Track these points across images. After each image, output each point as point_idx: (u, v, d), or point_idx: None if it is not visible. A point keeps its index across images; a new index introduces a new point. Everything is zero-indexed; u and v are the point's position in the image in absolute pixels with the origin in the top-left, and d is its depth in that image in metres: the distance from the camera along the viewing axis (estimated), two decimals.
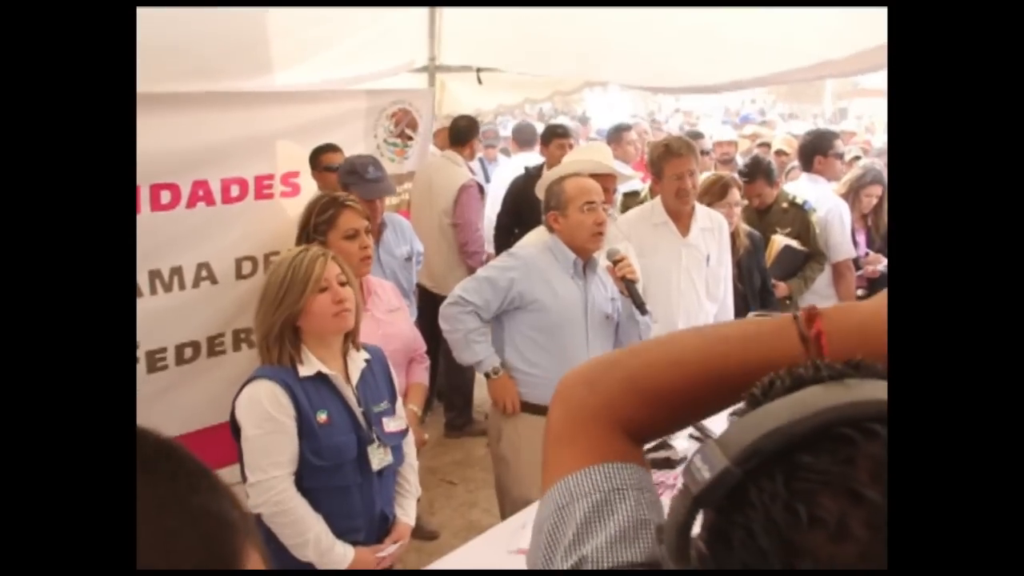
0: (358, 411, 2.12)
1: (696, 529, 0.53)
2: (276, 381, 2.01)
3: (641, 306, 2.65)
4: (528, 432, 2.72)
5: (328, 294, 2.07)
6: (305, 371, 2.05)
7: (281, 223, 3.48)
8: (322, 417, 2.04)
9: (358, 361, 2.18)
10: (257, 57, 3.86)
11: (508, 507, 2.74)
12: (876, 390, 0.49)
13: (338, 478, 2.07)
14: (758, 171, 4.18)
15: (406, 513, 2.30)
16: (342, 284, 2.12)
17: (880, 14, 3.14)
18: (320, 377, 2.07)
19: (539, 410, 2.72)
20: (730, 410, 0.61)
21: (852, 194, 4.42)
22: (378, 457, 2.13)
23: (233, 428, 2.05)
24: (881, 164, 5.05)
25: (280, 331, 2.04)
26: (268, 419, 1.98)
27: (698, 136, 5.56)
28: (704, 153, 5.28)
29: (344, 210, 2.66)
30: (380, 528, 2.21)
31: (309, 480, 2.04)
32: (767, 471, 0.47)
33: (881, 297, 0.72)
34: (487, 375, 2.77)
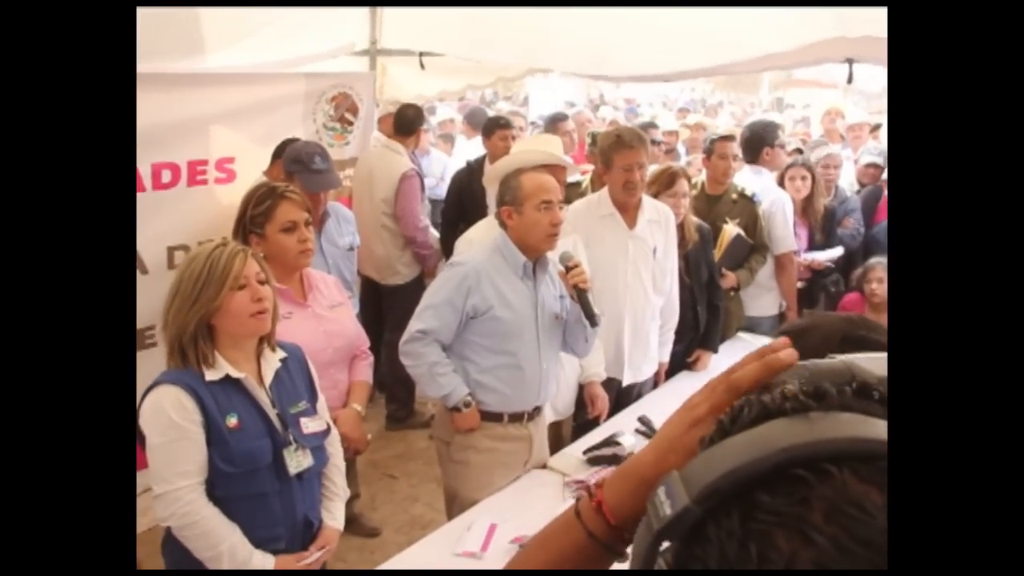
0: (272, 413, 2.01)
1: None
2: (180, 385, 1.90)
3: (592, 316, 2.59)
4: (479, 437, 2.66)
5: (247, 292, 1.97)
6: (213, 375, 1.94)
7: (216, 210, 3.34)
8: (232, 421, 1.93)
9: (272, 361, 2.08)
10: (188, 37, 3.70)
11: (455, 508, 2.68)
12: (837, 425, 0.50)
13: (253, 485, 1.97)
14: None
15: (333, 517, 2.21)
16: (261, 283, 2.02)
17: (822, 11, 3.18)
18: (228, 380, 1.97)
19: (491, 416, 2.66)
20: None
21: (780, 180, 4.48)
22: (296, 460, 2.04)
23: (139, 437, 1.93)
24: (815, 154, 5.13)
25: (195, 330, 1.93)
26: (172, 426, 1.87)
27: (650, 126, 5.54)
28: (655, 143, 5.26)
29: (282, 201, 2.54)
30: (305, 534, 2.11)
31: (222, 488, 1.94)
32: (725, 509, 0.48)
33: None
34: (456, 408, 2.62)
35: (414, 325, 2.60)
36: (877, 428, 0.50)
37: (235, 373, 1.97)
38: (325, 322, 2.63)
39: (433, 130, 7.66)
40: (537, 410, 2.75)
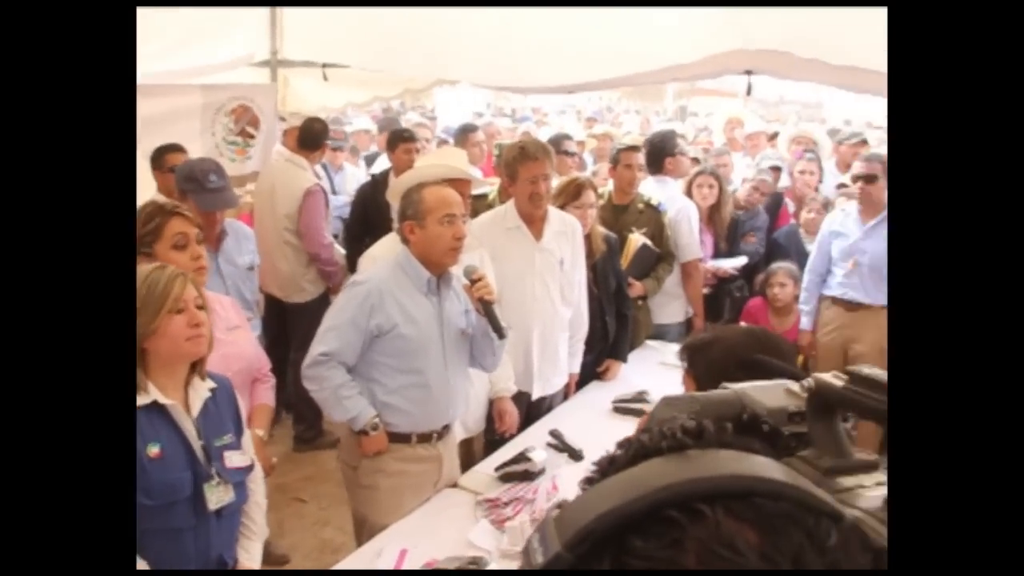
0: (196, 445, 1.92)
1: None
2: None
3: (499, 329, 2.56)
4: (387, 459, 2.59)
5: (184, 316, 1.90)
6: (140, 399, 1.85)
7: None
8: (153, 451, 1.84)
9: (201, 391, 1.99)
10: None
11: (365, 533, 2.61)
12: (713, 463, 0.48)
13: (169, 519, 1.87)
14: None
15: (251, 558, 2.13)
16: (199, 308, 1.96)
17: (722, 20, 3.26)
18: (155, 407, 1.88)
19: (399, 438, 2.60)
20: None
21: (687, 189, 4.56)
22: (216, 496, 1.95)
23: None
24: (716, 164, 5.26)
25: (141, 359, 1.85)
26: None
27: (565, 138, 5.54)
28: (569, 155, 5.27)
29: (171, 218, 2.43)
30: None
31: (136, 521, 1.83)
32: (598, 554, 0.46)
33: None
34: (364, 432, 2.54)
35: (316, 348, 2.52)
36: (752, 464, 0.48)
37: (163, 400, 1.88)
38: (223, 345, 2.51)
39: (348, 143, 7.49)
40: (446, 428, 2.70)
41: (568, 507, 0.49)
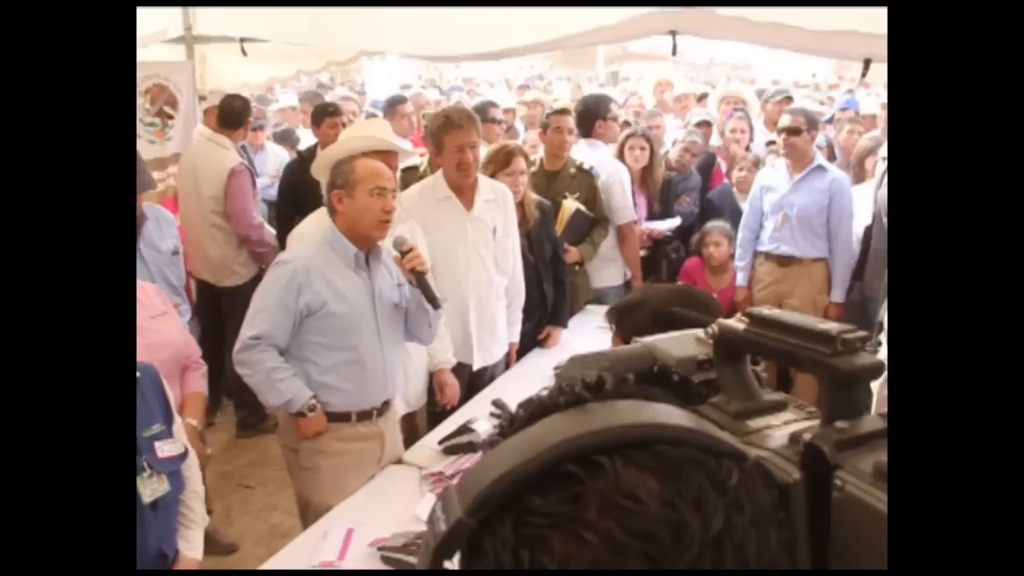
0: None
1: None
2: None
3: (433, 300, 2.54)
4: (327, 439, 2.55)
5: None
6: None
7: None
8: None
9: None
10: None
11: (310, 515, 2.57)
12: (612, 415, 0.47)
13: None
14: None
15: (191, 547, 2.08)
16: None
17: None
18: None
19: (339, 417, 2.56)
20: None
21: (619, 153, 4.56)
22: (150, 488, 1.89)
23: None
24: (648, 125, 5.27)
25: None
26: None
27: (491, 105, 5.48)
28: (496, 122, 5.22)
29: None
30: (158, 568, 1.97)
31: None
32: (500, 517, 0.46)
33: None
34: (301, 414, 2.49)
35: (246, 332, 2.46)
36: (653, 412, 0.48)
37: None
38: (147, 334, 2.44)
39: (271, 121, 7.27)
40: (386, 404, 2.67)
41: (468, 473, 0.49)
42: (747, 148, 5.32)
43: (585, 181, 4.14)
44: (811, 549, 0.47)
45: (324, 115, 4.51)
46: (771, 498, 0.46)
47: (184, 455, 2.05)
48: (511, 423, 0.51)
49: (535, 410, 0.50)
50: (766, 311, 0.57)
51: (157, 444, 1.94)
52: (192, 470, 2.12)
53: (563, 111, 4.27)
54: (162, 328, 2.52)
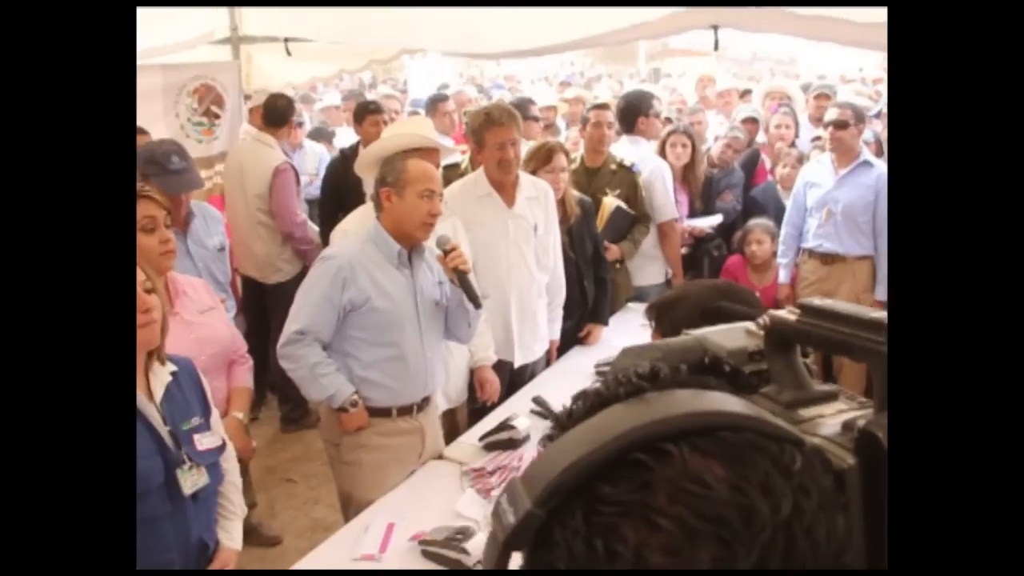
0: (163, 431, 1.88)
1: None
2: None
3: (475, 299, 2.54)
4: (368, 434, 2.58)
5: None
6: None
7: None
8: None
9: (162, 375, 1.94)
10: None
11: (351, 509, 2.60)
12: (673, 403, 0.48)
13: (144, 508, 1.83)
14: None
15: (231, 537, 2.10)
16: (148, 292, 1.87)
17: None
18: None
19: (380, 412, 2.59)
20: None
21: (661, 150, 4.52)
22: (190, 480, 1.91)
23: None
24: (690, 121, 5.22)
25: None
26: None
27: (529, 102, 5.48)
28: (534, 119, 5.21)
29: (139, 201, 2.37)
30: (200, 558, 1.99)
31: None
32: (569, 507, 0.46)
33: None
34: (343, 409, 2.52)
35: (291, 326, 2.49)
36: (712, 400, 0.48)
37: None
38: (196, 328, 2.49)
39: (314, 120, 7.35)
40: (426, 400, 2.69)
41: (533, 465, 0.49)
42: (792, 144, 5.25)
43: (626, 178, 4.12)
44: (866, 536, 0.47)
45: (366, 113, 4.55)
46: (829, 483, 0.47)
47: (222, 447, 2.06)
48: (569, 416, 0.51)
49: (594, 402, 0.51)
50: (817, 301, 0.57)
51: (196, 437, 1.96)
52: (230, 462, 2.14)
53: (603, 106, 4.25)
54: (210, 323, 2.56)
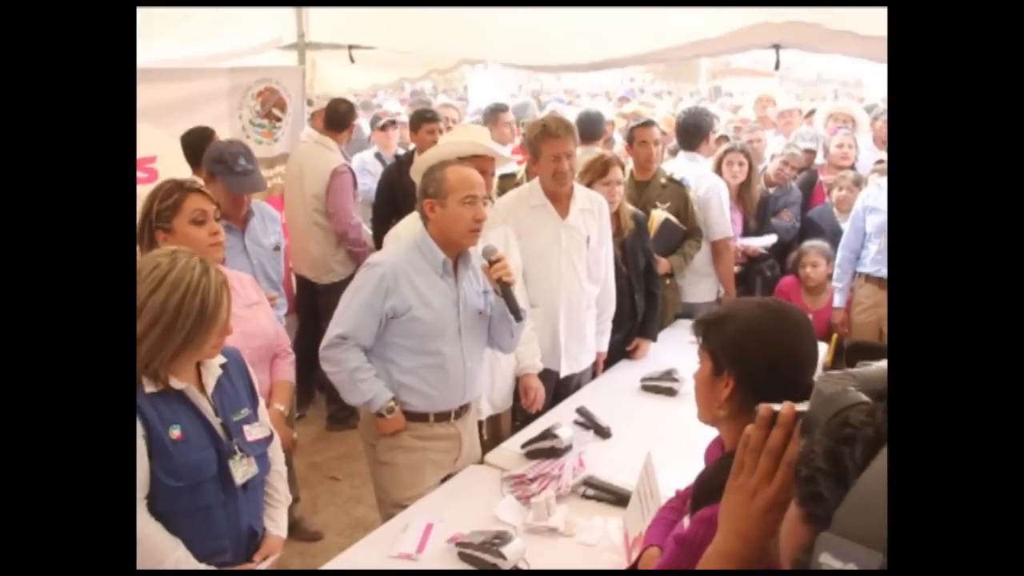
0: (216, 422, 1.93)
1: None
2: None
3: (516, 312, 2.54)
4: (404, 436, 2.61)
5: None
6: (153, 386, 1.84)
7: (138, 213, 3.22)
8: (175, 433, 1.83)
9: (213, 368, 1.99)
10: None
11: (385, 509, 2.63)
12: None
13: (199, 498, 1.88)
14: None
15: (277, 525, 2.14)
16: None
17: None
18: (171, 390, 1.87)
19: (416, 417, 2.61)
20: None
21: (717, 167, 4.49)
22: (242, 470, 1.96)
23: None
24: (748, 139, 5.18)
25: (163, 358, 1.81)
26: None
27: (600, 119, 5.47)
28: (605, 139, 5.20)
29: (190, 194, 2.43)
30: (249, 544, 2.04)
31: (165, 503, 1.84)
32: None
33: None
34: (380, 414, 2.56)
35: (333, 330, 2.53)
36: None
37: (177, 384, 1.87)
38: (241, 322, 2.53)
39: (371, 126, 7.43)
40: (464, 408, 2.70)
41: (845, 517, 0.54)
42: (852, 167, 5.16)
43: (676, 192, 4.10)
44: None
45: (422, 121, 4.62)
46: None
47: (270, 438, 2.11)
48: (841, 469, 0.58)
49: (868, 448, 0.57)
50: None
51: (246, 428, 2.00)
52: (276, 452, 2.18)
53: (647, 123, 4.23)
54: (255, 317, 2.60)
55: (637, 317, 3.69)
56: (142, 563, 1.82)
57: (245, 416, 2.01)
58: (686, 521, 1.50)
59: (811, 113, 7.02)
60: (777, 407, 0.85)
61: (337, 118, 4.48)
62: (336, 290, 4.35)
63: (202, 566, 1.89)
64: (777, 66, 3.71)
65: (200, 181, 2.61)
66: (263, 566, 2.05)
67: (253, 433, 2.01)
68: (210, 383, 1.95)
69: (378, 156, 5.48)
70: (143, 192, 3.28)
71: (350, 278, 4.40)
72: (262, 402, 2.15)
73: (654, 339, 3.75)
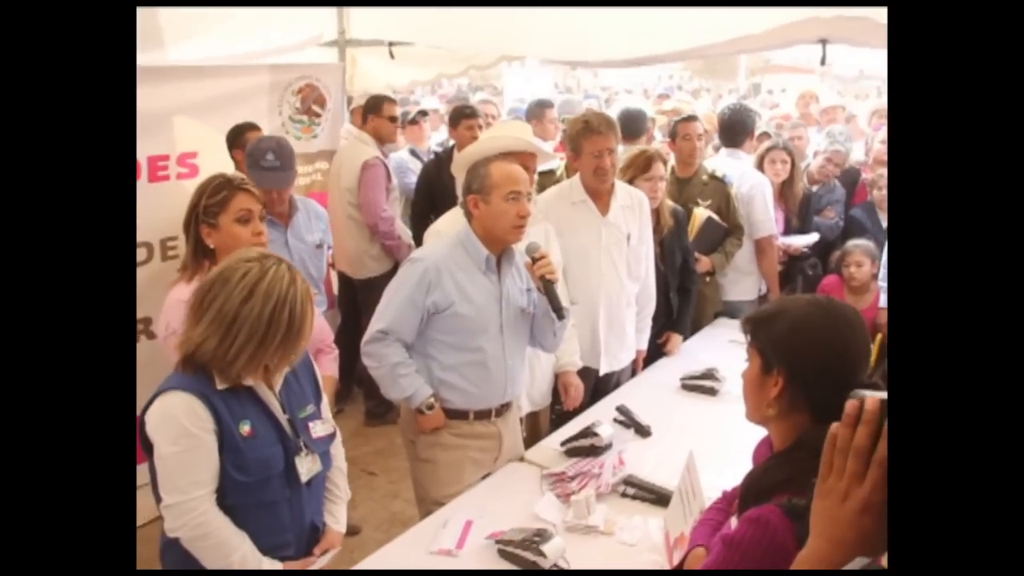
0: (283, 419, 1.94)
1: None
2: (193, 393, 1.80)
3: (559, 310, 2.51)
4: (444, 433, 2.60)
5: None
6: (223, 383, 1.85)
7: (179, 205, 3.22)
8: (245, 429, 1.85)
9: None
10: (145, 31, 3.60)
11: (427, 506, 2.62)
12: None
13: (266, 493, 1.90)
14: None
15: (337, 520, 2.16)
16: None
17: None
18: (240, 386, 1.88)
19: (456, 414, 2.60)
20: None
21: (759, 164, 4.42)
22: (306, 467, 1.98)
23: (144, 444, 1.84)
24: (790, 136, 5.10)
25: (244, 361, 1.82)
26: (186, 435, 1.78)
27: (642, 116, 5.42)
28: (648, 137, 5.14)
29: (237, 192, 2.45)
30: (310, 539, 2.06)
31: (233, 497, 1.86)
32: None
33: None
34: (419, 411, 2.55)
35: (375, 325, 2.53)
36: None
37: (247, 381, 1.88)
38: None
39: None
40: (505, 406, 2.68)
41: None
42: None
43: (718, 189, 4.05)
44: None
45: (461, 117, 4.62)
46: None
47: (333, 435, 2.12)
48: None
49: None
50: None
51: (311, 425, 2.01)
52: (337, 448, 2.19)
53: (690, 118, 4.18)
54: None
55: (672, 315, 3.66)
56: (210, 555, 1.86)
57: (310, 413, 2.03)
58: (733, 521, 1.47)
59: (853, 117, 6.89)
60: (869, 394, 0.79)
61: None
62: (373, 285, 4.39)
63: (266, 559, 1.91)
64: (823, 61, 3.64)
65: (246, 178, 2.63)
66: (323, 560, 2.06)
67: (318, 430, 2.03)
68: (278, 380, 1.96)
69: (413, 152, 5.48)
70: (188, 186, 3.37)
71: (387, 274, 4.46)
72: (325, 399, 2.16)
73: (684, 334, 3.72)
